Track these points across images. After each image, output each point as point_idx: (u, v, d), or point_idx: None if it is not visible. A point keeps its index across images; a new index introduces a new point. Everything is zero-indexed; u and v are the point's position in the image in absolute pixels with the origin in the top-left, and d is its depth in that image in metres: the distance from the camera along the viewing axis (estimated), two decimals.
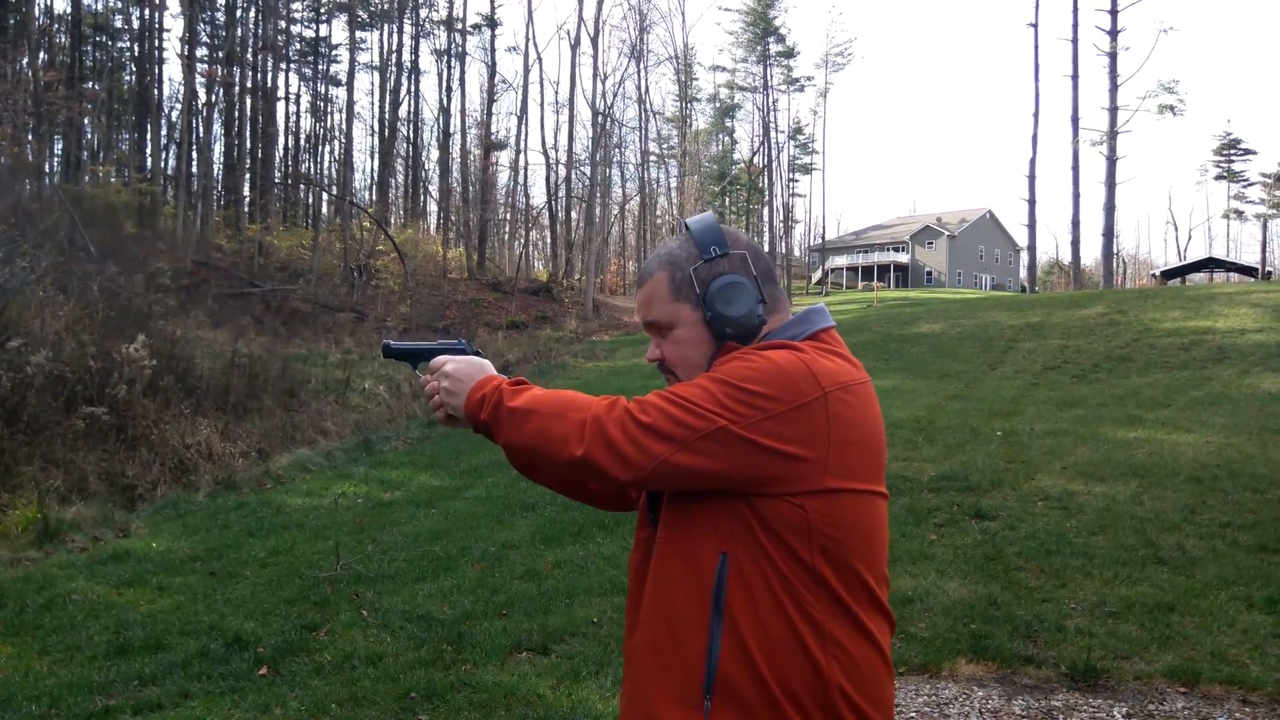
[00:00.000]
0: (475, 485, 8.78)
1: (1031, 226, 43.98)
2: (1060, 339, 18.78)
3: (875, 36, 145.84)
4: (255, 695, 4.02)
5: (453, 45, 42.46)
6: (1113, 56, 40.18)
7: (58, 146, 32.48)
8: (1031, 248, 46.06)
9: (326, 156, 46.58)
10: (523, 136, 43.90)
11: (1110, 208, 40.26)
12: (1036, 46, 43.13)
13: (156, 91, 35.89)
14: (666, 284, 1.47)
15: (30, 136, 24.50)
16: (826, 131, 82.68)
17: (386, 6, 40.80)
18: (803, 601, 1.30)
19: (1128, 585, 4.97)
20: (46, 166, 28.98)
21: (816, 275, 65.29)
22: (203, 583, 5.99)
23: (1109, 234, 41.24)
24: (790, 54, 52.93)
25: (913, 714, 3.64)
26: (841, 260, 68.06)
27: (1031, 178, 43.20)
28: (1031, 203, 43.43)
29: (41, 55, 28.62)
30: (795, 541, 1.30)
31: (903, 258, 66.46)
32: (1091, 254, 54.90)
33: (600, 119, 36.84)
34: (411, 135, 45.23)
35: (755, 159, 52.06)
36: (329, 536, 6.93)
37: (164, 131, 36.45)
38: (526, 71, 56.45)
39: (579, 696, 3.83)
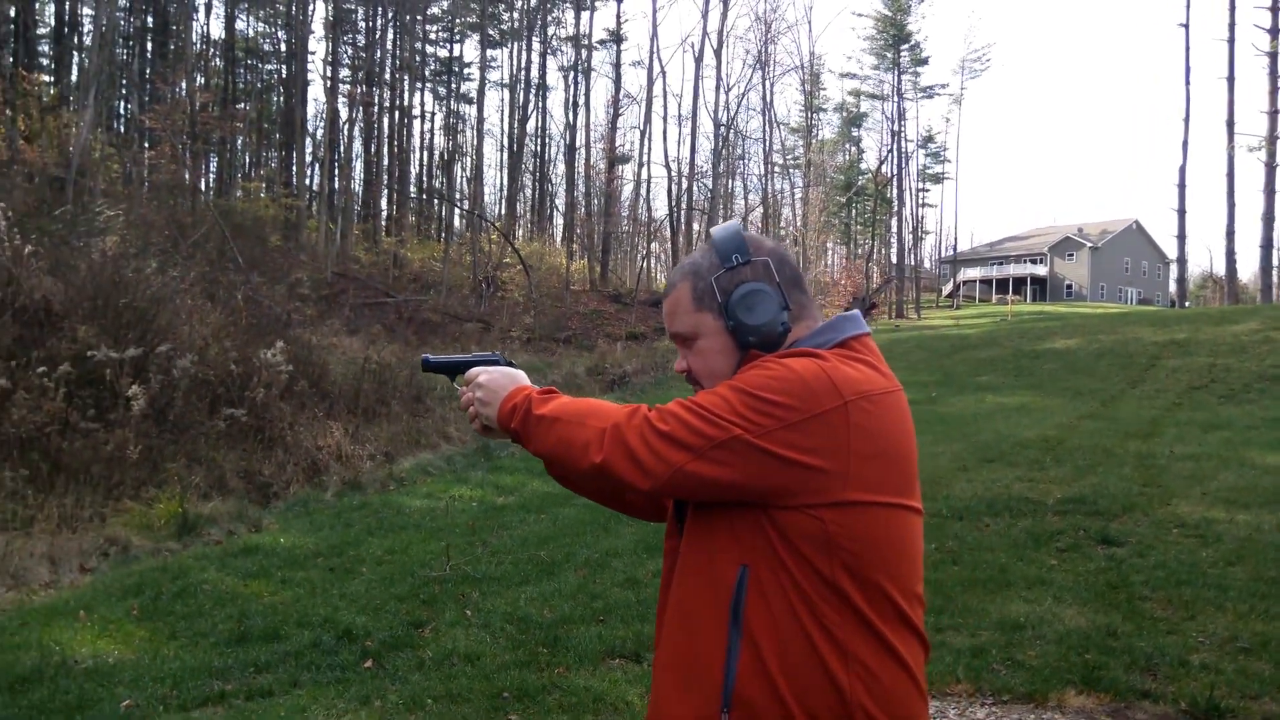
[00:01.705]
0: None
1: (1181, 238, 41.45)
2: (1208, 357, 17.59)
3: (1014, 38, 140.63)
4: (358, 687, 4.18)
5: (579, 62, 43.31)
6: (1273, 56, 37.38)
7: (212, 164, 34.78)
8: (1181, 260, 43.31)
9: (458, 172, 48.26)
10: (646, 149, 44.05)
11: (1269, 217, 37.45)
12: (1188, 47, 40.96)
13: (302, 111, 37.89)
14: (689, 294, 1.45)
15: (187, 155, 26.32)
16: (960, 139, 79.92)
17: (516, 25, 42.01)
18: (823, 618, 1.26)
19: (1264, 620, 4.61)
20: (201, 183, 31.13)
21: (947, 288, 63.26)
22: (322, 577, 6.27)
23: (1267, 245, 38.33)
24: (922, 61, 51.56)
25: None
26: (974, 272, 65.68)
27: (1181, 186, 40.73)
28: (1181, 213, 40.94)
29: (198, 79, 30.71)
30: (815, 555, 1.26)
31: (1040, 270, 63.65)
32: (1249, 267, 51.03)
33: (723, 130, 36.87)
34: (539, 150, 46.39)
35: (883, 168, 50.93)
36: (442, 538, 7.15)
37: (309, 149, 38.47)
38: (650, 85, 56.27)
39: None
